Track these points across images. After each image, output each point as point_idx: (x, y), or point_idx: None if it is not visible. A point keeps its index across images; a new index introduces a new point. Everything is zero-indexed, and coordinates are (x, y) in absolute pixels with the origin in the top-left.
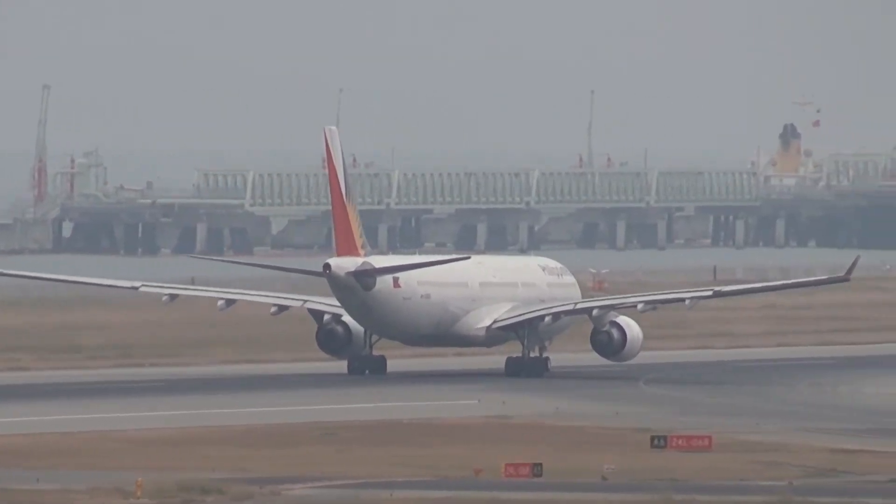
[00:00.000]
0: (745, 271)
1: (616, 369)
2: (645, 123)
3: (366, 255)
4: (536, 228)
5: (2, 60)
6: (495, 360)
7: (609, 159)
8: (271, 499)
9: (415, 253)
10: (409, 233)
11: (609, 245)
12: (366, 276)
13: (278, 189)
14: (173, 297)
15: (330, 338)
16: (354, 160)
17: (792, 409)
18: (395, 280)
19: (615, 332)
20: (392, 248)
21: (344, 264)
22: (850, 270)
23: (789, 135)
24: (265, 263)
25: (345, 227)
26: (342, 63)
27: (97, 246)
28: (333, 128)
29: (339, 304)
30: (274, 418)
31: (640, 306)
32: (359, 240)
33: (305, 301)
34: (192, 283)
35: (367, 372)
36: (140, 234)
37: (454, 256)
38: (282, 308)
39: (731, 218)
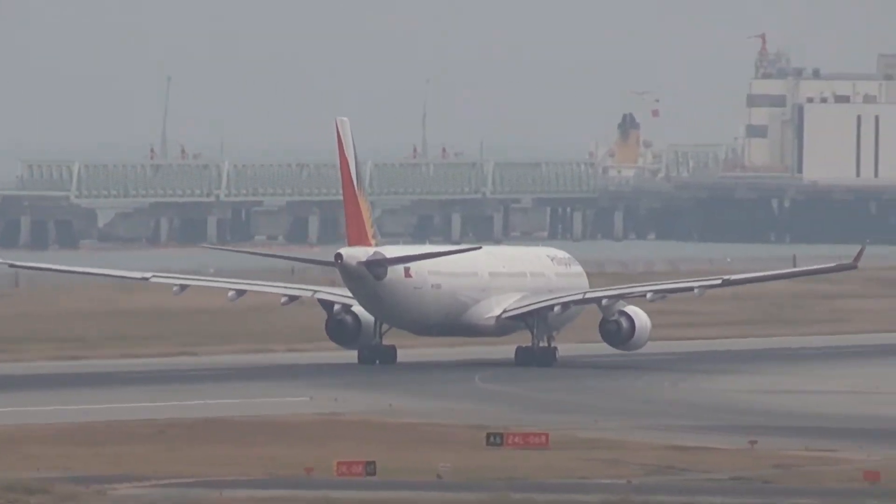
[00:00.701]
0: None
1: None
2: (481, 115)
3: (377, 245)
4: None
5: None
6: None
7: (444, 150)
8: (97, 498)
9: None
10: (239, 225)
11: (445, 238)
12: (377, 266)
13: (104, 181)
14: (183, 287)
15: (340, 328)
16: (183, 151)
17: (631, 406)
18: (406, 270)
19: (624, 322)
20: (221, 241)
21: (355, 254)
22: (857, 258)
23: (628, 125)
24: (277, 254)
25: (356, 218)
26: (168, 50)
27: None
28: (345, 119)
29: (349, 294)
30: (107, 415)
31: (649, 295)
32: (370, 230)
33: (315, 291)
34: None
35: (377, 362)
36: None
37: (466, 246)
38: (292, 298)
39: (568, 210)
